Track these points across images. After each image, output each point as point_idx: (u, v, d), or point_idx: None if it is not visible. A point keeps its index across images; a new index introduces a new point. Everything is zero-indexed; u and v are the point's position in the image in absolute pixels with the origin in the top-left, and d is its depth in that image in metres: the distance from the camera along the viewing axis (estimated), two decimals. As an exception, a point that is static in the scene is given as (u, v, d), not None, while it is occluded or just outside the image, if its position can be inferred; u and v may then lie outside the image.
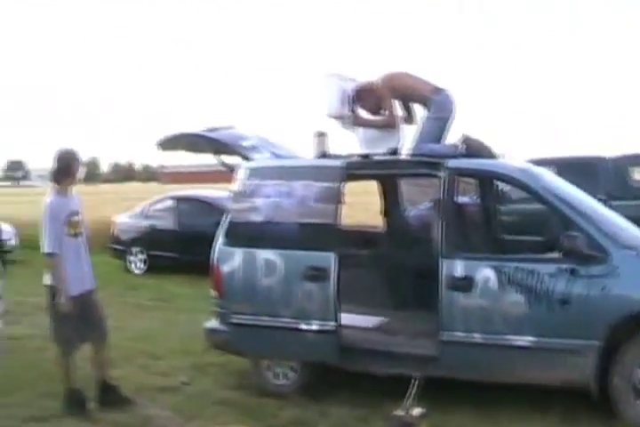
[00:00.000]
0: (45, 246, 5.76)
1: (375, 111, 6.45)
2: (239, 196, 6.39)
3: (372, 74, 6.48)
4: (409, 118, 6.53)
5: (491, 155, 6.10)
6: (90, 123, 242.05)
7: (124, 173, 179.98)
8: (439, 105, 6.15)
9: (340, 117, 6.46)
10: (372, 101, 6.40)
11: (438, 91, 6.18)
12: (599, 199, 7.36)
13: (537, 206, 5.82)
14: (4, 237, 17.28)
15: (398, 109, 6.40)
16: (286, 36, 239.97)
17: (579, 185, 6.41)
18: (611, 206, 7.40)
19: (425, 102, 6.24)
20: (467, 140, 6.02)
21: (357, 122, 6.47)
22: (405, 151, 6.26)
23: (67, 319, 5.76)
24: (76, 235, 5.91)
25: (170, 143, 6.96)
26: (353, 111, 6.45)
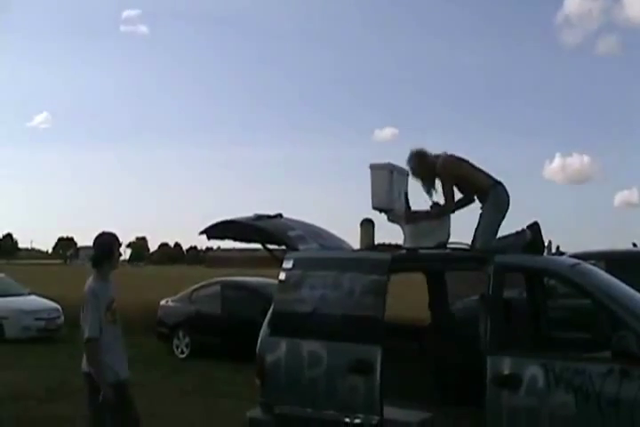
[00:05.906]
0: (86, 332, 5.72)
1: (428, 187, 6.42)
2: (285, 286, 6.37)
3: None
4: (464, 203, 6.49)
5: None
6: (142, 200, 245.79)
7: (170, 255, 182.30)
8: (497, 198, 6.16)
9: (386, 210, 6.49)
10: (428, 179, 6.38)
11: (495, 184, 6.20)
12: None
13: (585, 302, 5.74)
14: (53, 315, 17.61)
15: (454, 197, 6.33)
16: (334, 123, 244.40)
17: (629, 281, 6.28)
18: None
19: (479, 193, 6.26)
20: (534, 228, 6.09)
21: (412, 219, 6.42)
22: (465, 245, 6.18)
23: (104, 409, 5.64)
24: (114, 321, 5.90)
25: (215, 231, 7.02)
26: (409, 208, 6.50)
